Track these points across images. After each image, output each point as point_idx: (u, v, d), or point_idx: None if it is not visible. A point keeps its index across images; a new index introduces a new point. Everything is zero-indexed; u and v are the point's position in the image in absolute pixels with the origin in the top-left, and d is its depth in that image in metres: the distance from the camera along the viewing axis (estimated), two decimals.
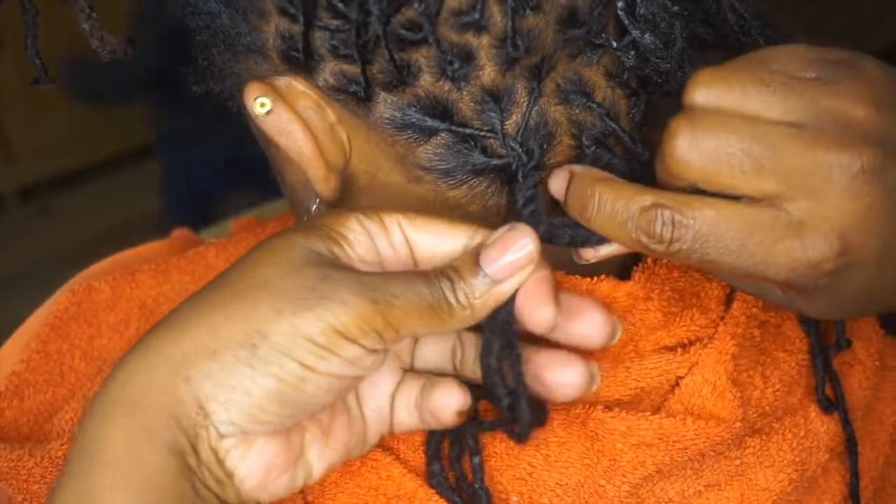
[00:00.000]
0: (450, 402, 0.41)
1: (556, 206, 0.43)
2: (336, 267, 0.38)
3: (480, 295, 0.38)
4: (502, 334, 0.39)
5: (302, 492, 0.45)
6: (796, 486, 0.48)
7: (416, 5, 0.38)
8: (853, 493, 0.50)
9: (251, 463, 0.38)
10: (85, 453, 0.37)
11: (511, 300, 0.39)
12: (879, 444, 0.53)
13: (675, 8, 0.42)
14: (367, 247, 0.40)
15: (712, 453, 0.46)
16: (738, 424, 0.46)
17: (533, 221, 0.41)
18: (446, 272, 0.39)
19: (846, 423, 0.49)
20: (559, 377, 0.40)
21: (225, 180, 2.39)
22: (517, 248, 0.38)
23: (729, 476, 0.47)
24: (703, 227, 0.37)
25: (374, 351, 0.37)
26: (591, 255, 0.42)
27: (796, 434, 0.48)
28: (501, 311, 0.39)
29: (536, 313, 0.39)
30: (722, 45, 0.46)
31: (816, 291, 0.38)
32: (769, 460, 0.47)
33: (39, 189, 3.00)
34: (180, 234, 0.68)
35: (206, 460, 0.37)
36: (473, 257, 0.39)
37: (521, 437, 0.40)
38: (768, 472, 0.47)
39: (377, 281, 0.37)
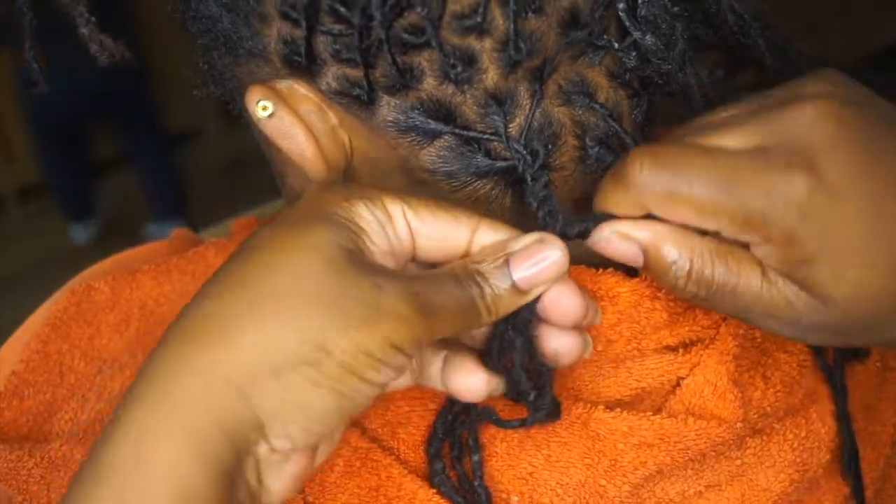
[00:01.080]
0: (472, 384, 0.41)
1: (566, 205, 0.43)
2: (382, 273, 0.37)
3: (507, 300, 0.39)
4: (523, 331, 0.39)
5: (302, 492, 0.45)
6: (797, 487, 0.48)
7: (418, 9, 0.38)
8: (856, 494, 0.50)
9: (286, 475, 0.37)
10: (120, 459, 0.35)
11: (535, 300, 0.39)
12: (881, 445, 0.53)
13: (676, 9, 0.42)
14: (382, 236, 0.39)
15: (713, 454, 0.46)
16: (739, 425, 0.46)
17: (550, 221, 0.41)
18: (473, 276, 0.39)
19: (848, 431, 0.49)
20: (558, 344, 0.40)
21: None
22: (547, 260, 0.39)
23: (730, 476, 0.46)
24: None
25: (413, 356, 0.37)
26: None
27: (797, 434, 0.48)
28: (523, 310, 0.39)
29: (567, 307, 0.39)
30: (722, 45, 0.45)
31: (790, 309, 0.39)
32: (770, 461, 0.47)
33: (39, 189, 3.01)
34: (180, 233, 0.68)
35: (248, 475, 0.36)
36: (502, 263, 0.39)
37: (531, 423, 0.41)
38: (769, 472, 0.47)
39: (424, 289, 0.37)
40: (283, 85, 0.43)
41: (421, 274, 0.39)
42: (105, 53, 0.49)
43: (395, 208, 0.39)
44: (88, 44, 0.49)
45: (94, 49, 0.49)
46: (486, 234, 0.40)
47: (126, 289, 0.58)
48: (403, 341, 0.36)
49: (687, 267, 0.39)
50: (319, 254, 0.36)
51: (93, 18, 0.48)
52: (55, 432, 0.52)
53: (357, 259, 0.37)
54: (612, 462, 0.45)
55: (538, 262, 0.39)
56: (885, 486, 0.53)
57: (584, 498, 0.45)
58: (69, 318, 0.56)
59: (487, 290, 0.38)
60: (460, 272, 0.39)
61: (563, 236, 0.41)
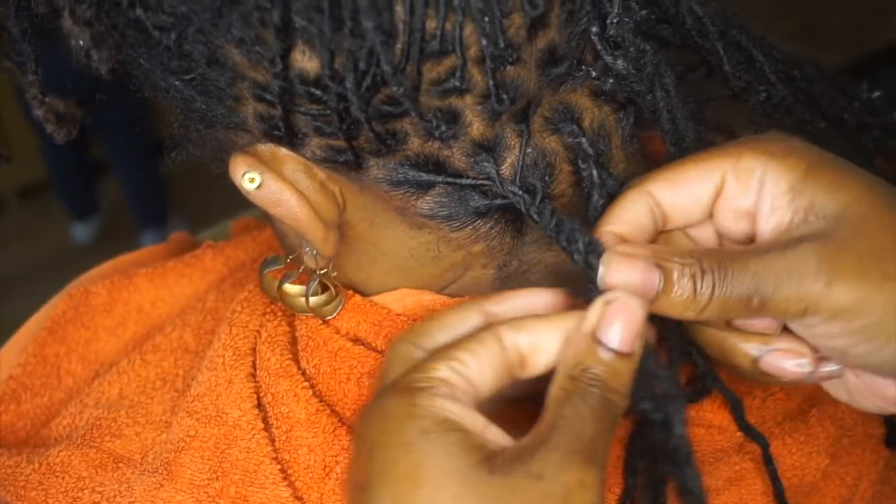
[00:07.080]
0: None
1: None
2: (521, 457, 0.34)
3: (624, 373, 0.36)
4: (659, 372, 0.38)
5: (300, 498, 0.45)
6: (795, 491, 0.48)
7: (394, 88, 0.37)
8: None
9: None
10: None
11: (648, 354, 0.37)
12: (879, 447, 0.53)
13: (643, 12, 0.41)
14: (473, 414, 0.36)
15: (711, 459, 0.46)
16: (738, 434, 0.46)
17: (573, 244, 0.39)
18: (583, 380, 0.36)
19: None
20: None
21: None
22: (630, 310, 0.37)
23: (728, 481, 0.46)
24: None
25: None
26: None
27: (796, 439, 0.48)
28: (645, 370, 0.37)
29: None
30: (690, 47, 0.45)
31: None
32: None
33: (40, 189, 3.01)
34: (178, 237, 0.68)
35: None
36: (592, 346, 0.36)
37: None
38: (767, 477, 0.47)
39: (565, 438, 0.34)
40: (266, 148, 0.42)
41: (546, 429, 0.35)
42: (63, 132, 0.48)
43: (448, 373, 0.36)
44: (44, 124, 0.47)
45: (51, 129, 0.48)
46: (517, 336, 0.37)
47: (123, 292, 0.58)
48: (597, 497, 0.34)
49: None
50: (459, 479, 0.34)
51: (46, 99, 0.47)
52: (53, 437, 0.52)
53: (488, 458, 0.34)
54: (612, 469, 0.45)
55: (625, 318, 0.36)
56: (885, 488, 0.53)
57: None
58: (66, 321, 0.56)
59: (605, 378, 0.36)
60: (572, 388, 0.36)
61: (587, 250, 0.39)
